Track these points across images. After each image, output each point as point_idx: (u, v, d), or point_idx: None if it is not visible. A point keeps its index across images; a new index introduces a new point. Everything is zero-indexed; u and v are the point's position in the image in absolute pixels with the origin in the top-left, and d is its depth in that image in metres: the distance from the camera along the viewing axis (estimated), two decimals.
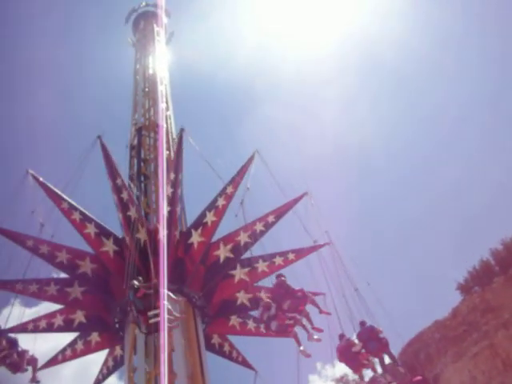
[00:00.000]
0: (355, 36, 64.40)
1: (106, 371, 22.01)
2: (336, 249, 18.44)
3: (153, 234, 18.94)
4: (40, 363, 17.56)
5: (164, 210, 19.10)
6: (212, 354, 21.43)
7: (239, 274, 20.31)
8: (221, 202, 20.10)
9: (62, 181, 20.37)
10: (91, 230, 19.46)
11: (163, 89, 26.41)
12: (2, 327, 16.35)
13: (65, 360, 21.58)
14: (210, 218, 19.93)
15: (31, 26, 57.50)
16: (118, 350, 21.51)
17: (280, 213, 20.35)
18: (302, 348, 15.14)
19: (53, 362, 21.48)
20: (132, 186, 21.74)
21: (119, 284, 18.69)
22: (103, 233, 19.69)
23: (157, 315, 14.54)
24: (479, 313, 35.55)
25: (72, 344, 21.51)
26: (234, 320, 21.51)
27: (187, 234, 20.08)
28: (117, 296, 19.02)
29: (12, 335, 16.17)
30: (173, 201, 19.90)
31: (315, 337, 14.97)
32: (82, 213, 19.65)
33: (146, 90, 26.73)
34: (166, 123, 24.59)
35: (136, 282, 15.45)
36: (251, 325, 21.54)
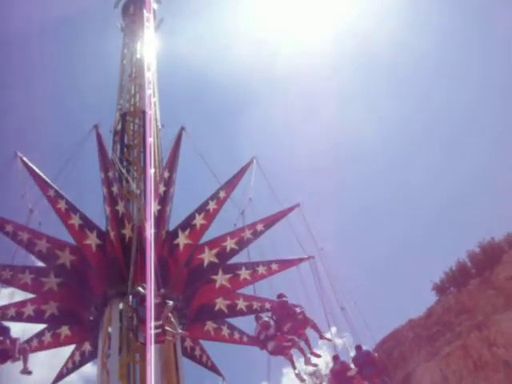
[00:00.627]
0: (352, 32, 64.37)
1: (72, 365, 21.46)
2: (320, 263, 18.48)
3: (137, 231, 18.60)
4: None
5: (152, 207, 18.61)
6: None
7: (221, 279, 20.04)
8: (212, 205, 19.73)
9: (55, 169, 19.92)
10: (76, 221, 18.95)
11: (150, 75, 26.17)
12: None
13: (30, 351, 20.68)
14: (198, 220, 19.52)
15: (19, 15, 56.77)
16: (86, 346, 20.94)
17: (269, 222, 20.06)
18: (297, 371, 15.03)
19: None
20: (118, 165, 21.29)
21: (98, 279, 18.47)
22: (87, 225, 19.14)
23: (159, 326, 13.91)
24: (453, 313, 35.92)
25: (39, 335, 20.70)
26: (210, 325, 21.19)
27: (173, 234, 19.63)
28: (94, 291, 18.57)
29: (4, 323, 15.77)
30: (164, 200, 19.48)
31: (313, 361, 14.89)
32: (68, 202, 19.16)
33: (133, 75, 26.51)
34: (151, 110, 24.35)
35: (142, 290, 14.47)
36: (225, 331, 21.41)
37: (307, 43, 65.16)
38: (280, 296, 15.26)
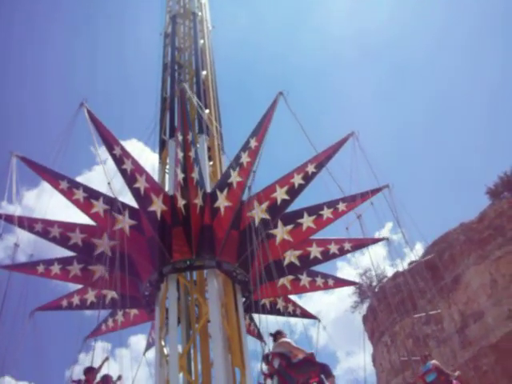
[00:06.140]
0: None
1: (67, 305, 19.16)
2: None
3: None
4: None
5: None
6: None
7: (283, 279, 18.67)
8: (327, 213, 17.25)
9: None
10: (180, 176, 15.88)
11: None
12: None
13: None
14: (307, 222, 17.14)
15: None
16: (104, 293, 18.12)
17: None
18: None
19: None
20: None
21: (181, 242, 15.79)
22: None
23: None
24: (506, 218, 35.74)
25: (63, 262, 17.89)
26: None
27: (275, 224, 17.09)
28: (174, 253, 15.80)
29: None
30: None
31: None
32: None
33: None
34: (202, 11, 23.94)
35: None
36: (247, 321, 19.69)
37: None
38: None
